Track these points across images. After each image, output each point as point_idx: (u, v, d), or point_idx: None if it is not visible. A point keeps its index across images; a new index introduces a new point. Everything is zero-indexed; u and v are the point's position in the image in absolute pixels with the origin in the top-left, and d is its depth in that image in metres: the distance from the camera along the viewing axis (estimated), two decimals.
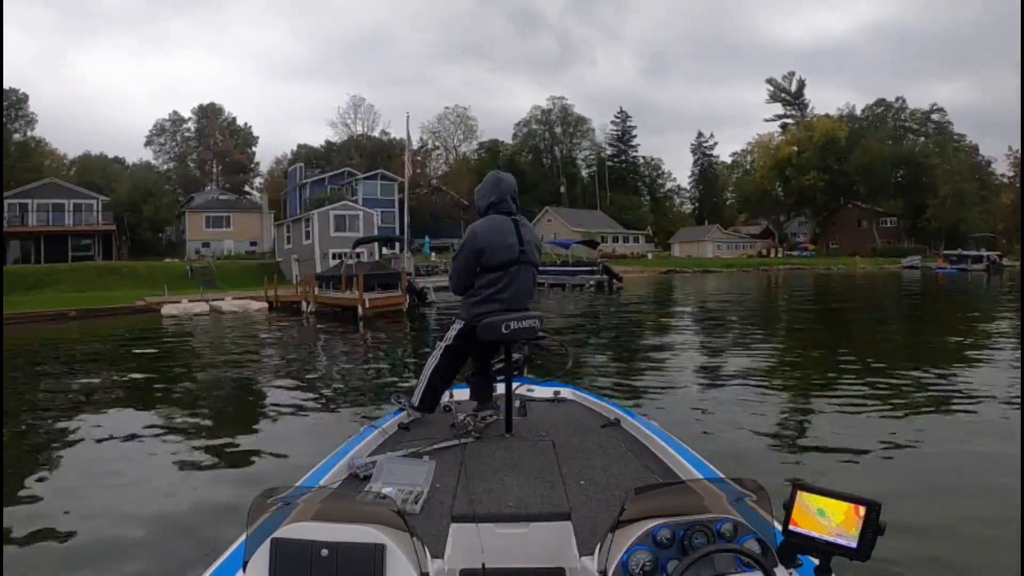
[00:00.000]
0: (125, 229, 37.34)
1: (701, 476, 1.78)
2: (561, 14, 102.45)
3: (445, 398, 2.73)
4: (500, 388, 2.53)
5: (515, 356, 2.61)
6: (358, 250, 22.47)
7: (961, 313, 15.98)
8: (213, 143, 57.57)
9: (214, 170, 58.52)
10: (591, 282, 26.72)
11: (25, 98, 44.50)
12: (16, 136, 43.27)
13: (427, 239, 36.31)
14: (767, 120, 68.07)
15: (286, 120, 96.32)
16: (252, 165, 60.59)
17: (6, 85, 40.70)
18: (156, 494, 3.78)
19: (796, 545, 1.20)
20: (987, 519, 3.11)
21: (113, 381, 8.31)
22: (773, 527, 1.26)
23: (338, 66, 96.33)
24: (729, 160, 72.79)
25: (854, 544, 1.13)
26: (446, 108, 63.16)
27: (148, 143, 58.73)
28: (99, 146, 71.83)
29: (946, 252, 44.23)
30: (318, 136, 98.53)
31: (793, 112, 66.51)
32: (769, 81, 67.48)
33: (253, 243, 40.15)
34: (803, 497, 1.19)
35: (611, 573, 1.23)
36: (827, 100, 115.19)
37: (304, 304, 18.83)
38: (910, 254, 46.87)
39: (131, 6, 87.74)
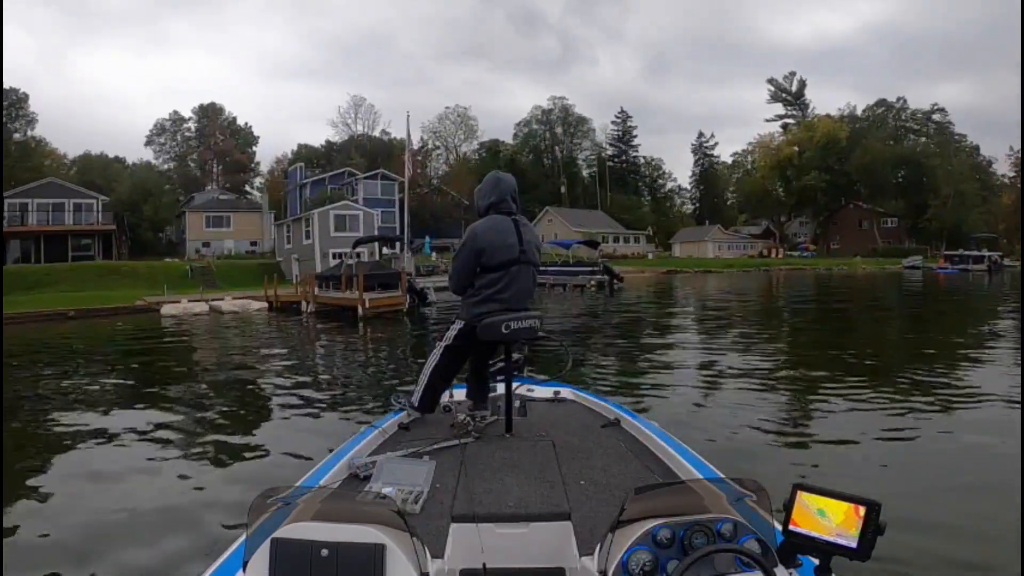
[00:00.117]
0: (125, 229, 37.36)
1: (701, 476, 1.78)
2: (562, 14, 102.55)
3: (445, 398, 2.73)
4: (500, 388, 2.53)
5: (515, 356, 2.61)
6: (358, 250, 22.46)
7: (962, 313, 15.98)
8: (213, 143, 57.61)
9: (214, 170, 58.56)
10: (592, 282, 26.71)
11: (25, 98, 44.59)
12: (16, 136, 43.29)
13: (427, 239, 36.31)
14: (768, 120, 68.13)
15: (286, 120, 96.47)
16: (252, 165, 60.64)
17: (6, 85, 40.79)
18: (155, 494, 3.78)
19: (796, 545, 1.20)
20: (987, 519, 3.11)
21: (112, 381, 8.32)
22: (773, 527, 1.26)
23: (339, 66, 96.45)
24: (730, 160, 72.88)
25: (854, 544, 1.13)
26: (447, 108, 63.29)
27: (148, 143, 58.88)
28: (99, 146, 71.91)
29: (947, 252, 44.17)
30: (318, 136, 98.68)
31: (794, 112, 66.50)
32: (770, 81, 67.53)
33: (253, 243, 40.18)
34: (803, 497, 1.19)
35: (611, 573, 1.23)
36: (828, 100, 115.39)
37: (304, 304, 18.82)
38: (911, 254, 46.79)
39: (131, 6, 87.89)
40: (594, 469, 2.01)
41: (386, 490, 1.75)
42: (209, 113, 58.69)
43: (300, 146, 60.78)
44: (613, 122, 68.69)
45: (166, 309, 19.00)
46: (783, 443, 4.57)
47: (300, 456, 4.12)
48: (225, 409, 6.40)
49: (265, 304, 20.12)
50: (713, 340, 11.25)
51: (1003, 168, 61.82)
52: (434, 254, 33.77)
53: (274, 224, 38.60)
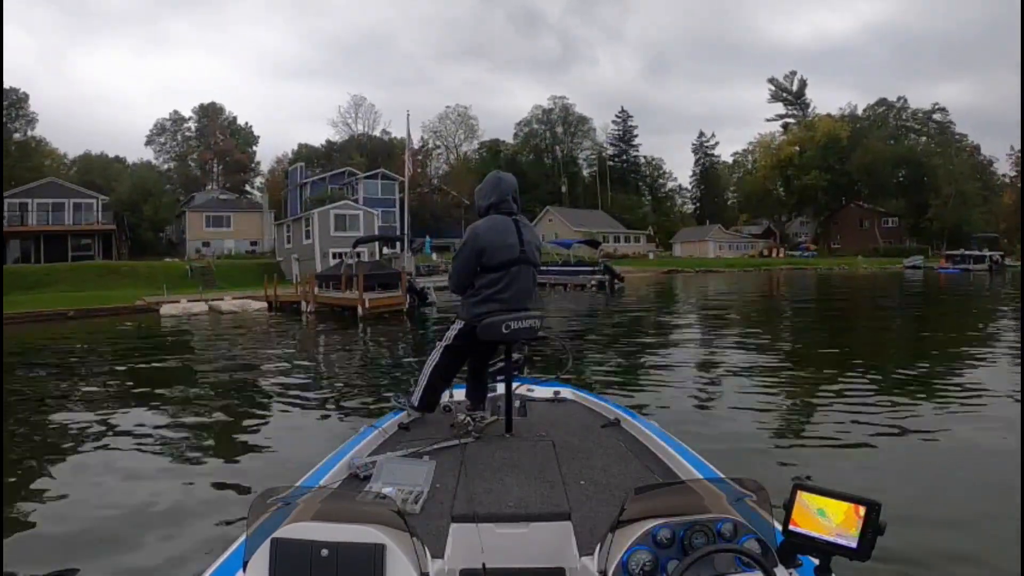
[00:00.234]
0: (125, 229, 37.35)
1: (701, 476, 1.78)
2: (562, 14, 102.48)
3: (445, 398, 2.73)
4: (500, 388, 2.53)
5: (515, 356, 2.61)
6: (358, 250, 22.46)
7: (963, 313, 15.95)
8: (214, 142, 57.57)
9: (215, 170, 58.54)
10: (593, 282, 26.71)
11: (25, 98, 44.55)
12: (16, 136, 43.28)
13: (428, 239, 36.31)
14: (768, 120, 68.07)
15: (287, 120, 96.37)
16: (253, 165, 60.60)
17: (6, 85, 40.78)
18: (155, 494, 3.78)
19: (796, 545, 1.20)
20: (987, 518, 3.11)
21: (110, 382, 8.31)
22: (773, 527, 1.26)
23: (339, 66, 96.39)
24: (730, 160, 72.86)
25: (854, 544, 1.13)
26: (447, 108, 63.25)
27: (149, 143, 58.84)
28: (99, 146, 71.85)
29: (948, 252, 44.11)
30: (319, 135, 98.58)
31: (795, 112, 66.45)
32: (771, 81, 67.47)
33: (253, 243, 40.17)
34: (803, 497, 1.19)
35: (611, 573, 1.23)
36: (828, 100, 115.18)
37: (304, 304, 18.82)
38: (912, 254, 46.75)
39: (131, 6, 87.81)
40: (594, 469, 2.01)
41: (386, 490, 1.75)
42: (209, 113, 58.67)
43: (300, 146, 60.82)
44: (614, 121, 68.77)
45: (165, 309, 18.99)
46: (783, 443, 4.57)
47: (300, 456, 4.12)
48: (224, 409, 6.40)
49: (265, 304, 20.11)
50: (713, 340, 11.25)
51: (1004, 168, 61.85)
52: (434, 254, 33.78)
53: (274, 224, 38.59)
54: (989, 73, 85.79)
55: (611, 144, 68.78)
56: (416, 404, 2.59)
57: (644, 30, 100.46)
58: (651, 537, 1.24)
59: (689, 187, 73.86)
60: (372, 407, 5.90)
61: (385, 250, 27.01)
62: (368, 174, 41.47)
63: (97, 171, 48.44)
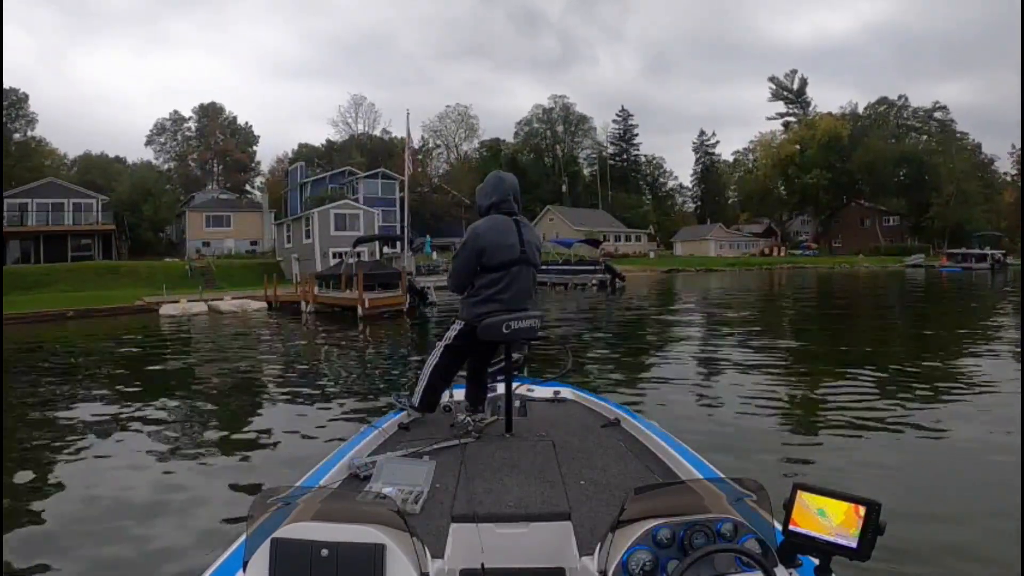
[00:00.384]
0: (125, 229, 37.34)
1: (701, 476, 1.78)
2: (562, 14, 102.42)
3: (445, 398, 2.73)
4: (500, 388, 2.53)
5: (515, 356, 2.61)
6: (358, 249, 22.44)
7: (964, 312, 15.94)
8: (214, 142, 57.57)
9: (215, 169, 58.54)
10: (593, 281, 26.71)
11: (25, 98, 44.55)
12: (16, 136, 43.28)
13: (428, 238, 36.30)
14: (769, 118, 67.98)
15: (287, 119, 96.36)
16: (253, 164, 60.59)
17: (6, 85, 40.77)
18: (155, 494, 3.79)
19: (796, 545, 1.20)
20: (988, 518, 3.11)
21: (109, 382, 8.32)
22: (773, 527, 1.26)
23: (339, 66, 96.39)
24: (731, 159, 72.79)
25: (854, 544, 1.13)
26: (447, 107, 63.21)
27: (149, 142, 58.84)
28: (99, 146, 71.99)
29: (950, 251, 44.07)
30: (319, 135, 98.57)
31: (795, 110, 66.38)
32: (771, 79, 67.40)
33: (254, 242, 40.16)
34: (803, 497, 1.19)
35: (611, 573, 1.23)
36: (829, 99, 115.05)
37: (303, 304, 18.81)
38: (913, 253, 46.70)
39: (131, 6, 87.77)
40: (594, 469, 2.01)
41: (386, 490, 1.75)
42: (209, 113, 58.66)
43: (301, 145, 60.82)
44: (614, 120, 68.72)
45: (165, 309, 18.96)
46: (783, 443, 4.57)
47: (300, 456, 4.12)
48: (223, 410, 6.41)
49: (264, 304, 20.11)
50: (714, 339, 11.25)
51: (1005, 166, 61.77)
52: (435, 253, 33.76)
53: (274, 223, 38.59)
54: (989, 72, 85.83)
55: (612, 143, 68.78)
56: (416, 404, 2.59)
57: (644, 29, 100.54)
58: (651, 537, 1.24)
59: (690, 186, 73.89)
60: (372, 407, 5.91)
61: (385, 250, 26.99)
62: (368, 173, 41.45)
63: (97, 171, 48.42)
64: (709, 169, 71.28)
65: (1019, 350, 8.54)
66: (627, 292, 24.63)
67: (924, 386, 6.37)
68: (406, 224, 22.77)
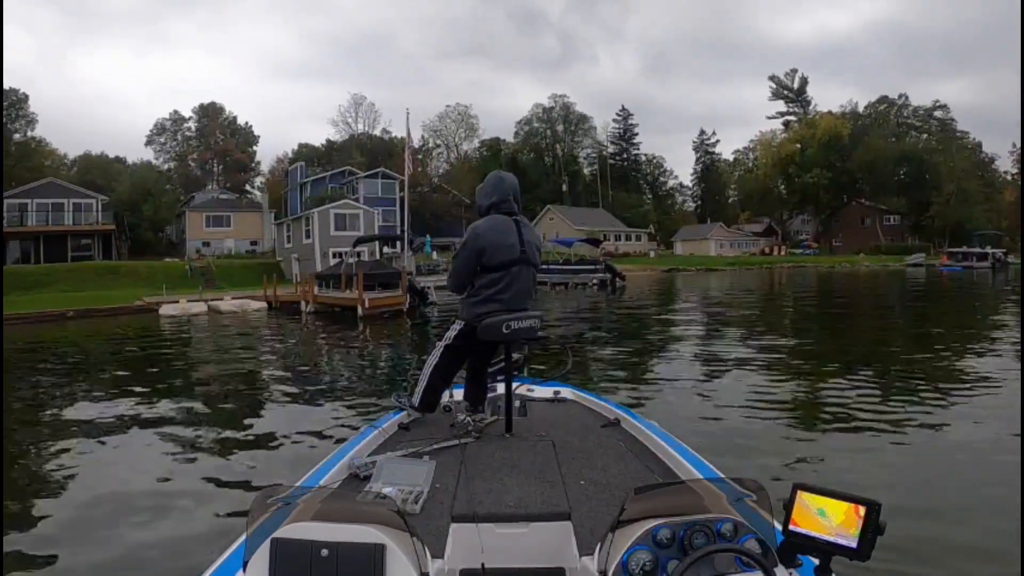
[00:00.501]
0: (125, 229, 37.33)
1: (701, 476, 1.78)
2: (562, 13, 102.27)
3: (445, 398, 2.73)
4: (500, 388, 2.53)
5: (515, 356, 2.61)
6: (358, 249, 22.44)
7: (965, 311, 15.93)
8: (214, 142, 57.56)
9: (215, 169, 58.54)
10: (594, 281, 26.71)
11: (25, 98, 44.52)
12: (16, 136, 43.27)
13: (428, 238, 36.30)
14: (770, 117, 67.92)
15: (287, 119, 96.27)
16: (253, 164, 60.58)
17: (6, 85, 40.76)
18: (154, 494, 3.79)
19: (796, 545, 1.20)
20: (988, 518, 3.10)
21: (108, 383, 8.32)
22: (773, 527, 1.26)
23: (339, 66, 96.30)
24: (731, 158, 72.75)
25: (854, 544, 1.13)
26: (447, 106, 63.13)
27: (149, 143, 58.83)
28: (99, 146, 71.87)
29: (950, 250, 44.02)
30: (319, 135, 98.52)
31: (796, 109, 66.31)
32: (771, 78, 67.34)
33: (254, 242, 40.14)
34: (803, 497, 1.19)
35: (611, 573, 1.23)
36: (829, 98, 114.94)
37: (303, 304, 18.81)
38: (914, 252, 46.66)
39: (131, 6, 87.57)
40: (594, 469, 2.01)
41: (386, 490, 1.75)
42: (209, 113, 58.66)
43: (301, 145, 60.79)
44: (614, 120, 68.66)
45: (164, 309, 18.94)
46: (783, 443, 4.57)
47: (300, 456, 4.13)
48: (223, 410, 6.41)
49: (264, 304, 20.09)
50: (714, 339, 11.25)
51: (1006, 164, 61.74)
52: (435, 253, 33.75)
53: (274, 223, 38.56)
54: (990, 71, 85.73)
55: (612, 142, 68.75)
56: (417, 404, 2.59)
57: (644, 29, 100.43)
58: (651, 537, 1.24)
59: (690, 185, 73.86)
60: (372, 407, 5.91)
61: (385, 249, 26.99)
62: (368, 173, 41.43)
63: (97, 171, 48.42)
64: (709, 168, 71.25)
65: (1019, 349, 8.53)
66: (627, 292, 24.64)
67: (925, 385, 6.37)
68: (406, 224, 22.76)
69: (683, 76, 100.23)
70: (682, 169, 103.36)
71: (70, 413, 6.23)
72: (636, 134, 69.16)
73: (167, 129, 58.99)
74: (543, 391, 3.00)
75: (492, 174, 2.66)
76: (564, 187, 60.70)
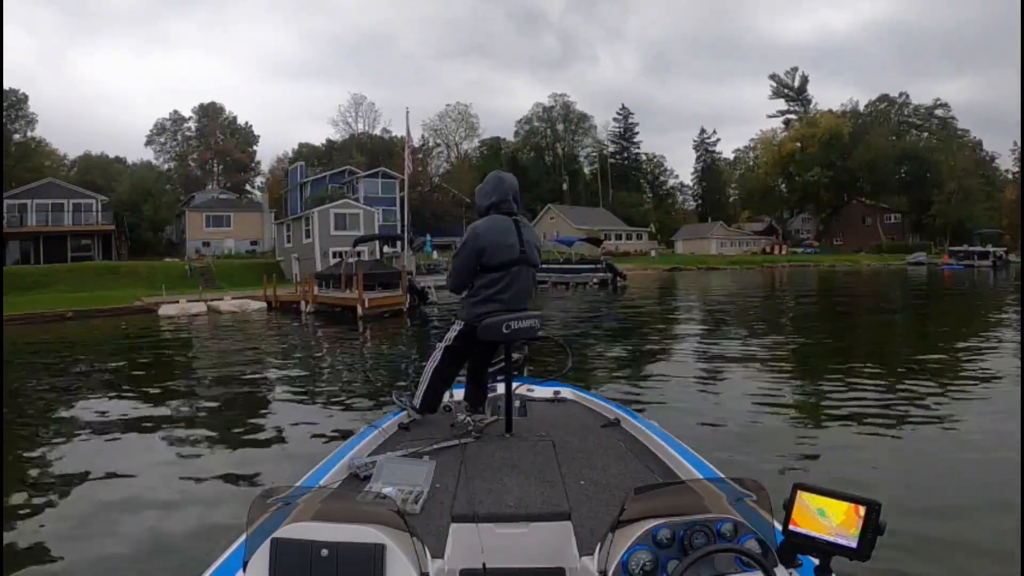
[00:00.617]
0: (125, 229, 37.33)
1: (701, 476, 1.77)
2: (562, 13, 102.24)
3: (445, 398, 2.73)
4: (500, 388, 2.53)
5: (515, 356, 2.61)
6: (358, 248, 22.44)
7: (967, 310, 15.91)
8: (214, 142, 57.58)
9: (215, 169, 58.55)
10: (595, 280, 26.71)
11: (25, 98, 44.50)
12: (16, 137, 43.27)
13: (428, 237, 36.31)
14: (770, 116, 67.89)
15: (287, 119, 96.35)
16: (253, 164, 60.61)
17: (6, 85, 40.74)
18: (154, 495, 3.79)
19: (796, 545, 1.20)
20: (988, 518, 3.10)
21: (107, 384, 8.31)
22: (773, 527, 1.26)
23: (339, 66, 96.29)
24: (732, 157, 72.72)
25: (854, 544, 1.13)
26: (447, 106, 63.13)
27: (149, 143, 58.85)
28: (99, 146, 71.97)
29: (952, 248, 43.99)
30: (319, 135, 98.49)
31: (796, 108, 66.27)
32: (772, 77, 67.29)
33: (254, 242, 40.15)
34: (803, 497, 1.19)
35: (611, 573, 1.22)
36: (830, 96, 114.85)
37: (303, 304, 18.81)
38: (915, 251, 46.62)
39: (131, 6, 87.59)
40: (594, 469, 2.01)
41: (386, 490, 1.75)
42: (209, 112, 58.66)
43: (301, 145, 60.84)
44: (615, 119, 68.63)
45: (164, 310, 18.94)
46: (783, 443, 4.57)
47: (300, 456, 4.13)
48: (223, 411, 6.41)
49: (264, 304, 20.09)
50: (715, 339, 11.24)
51: (1007, 163, 61.67)
52: (435, 253, 33.76)
53: (274, 223, 38.56)
54: (990, 70, 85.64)
55: (612, 141, 68.71)
56: (418, 406, 2.59)
57: (645, 28, 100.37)
58: (651, 537, 1.24)
59: (691, 184, 73.84)
60: (372, 407, 5.91)
61: (386, 249, 27.01)
62: (368, 173, 41.42)
63: (97, 171, 48.45)
64: (710, 167, 71.21)
65: (1020, 348, 8.53)
66: (628, 291, 24.63)
67: (925, 385, 6.36)
68: (406, 223, 22.76)
69: (683, 75, 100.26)
70: (683, 168, 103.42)
71: (68, 414, 6.23)
72: (636, 133, 69.24)
73: (167, 129, 59.02)
74: (543, 391, 3.00)
75: (491, 174, 2.66)
76: (564, 186, 60.69)
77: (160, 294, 21.98)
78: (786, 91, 66.71)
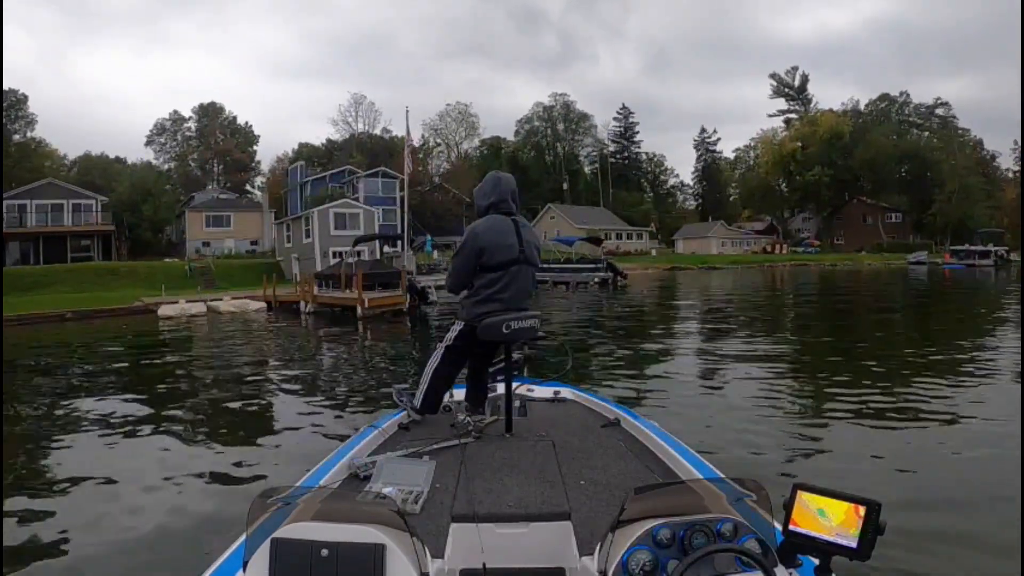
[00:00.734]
0: (125, 229, 37.32)
1: (701, 476, 1.77)
2: (563, 12, 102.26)
3: (445, 398, 2.73)
4: (500, 388, 2.53)
5: (515, 356, 2.61)
6: (358, 248, 22.42)
7: (968, 310, 15.89)
8: (214, 142, 57.59)
9: (215, 169, 58.56)
10: (595, 279, 26.71)
11: (25, 99, 44.54)
12: (16, 137, 43.27)
13: (429, 237, 36.32)
14: (771, 115, 67.88)
15: (287, 119, 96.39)
16: (253, 164, 60.62)
17: (6, 85, 40.76)
18: (154, 496, 3.79)
19: (796, 545, 1.20)
20: (988, 518, 3.10)
21: (106, 384, 8.31)
22: (773, 527, 1.26)
23: (339, 66, 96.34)
24: (732, 156, 72.67)
25: (854, 544, 1.13)
26: (448, 105, 63.17)
27: (149, 143, 58.90)
28: (99, 146, 72.10)
29: (953, 247, 43.95)
30: (319, 134, 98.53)
31: (797, 107, 66.23)
32: (772, 76, 67.25)
33: (254, 242, 40.14)
34: (803, 497, 1.18)
35: (611, 573, 1.22)
36: (830, 95, 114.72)
37: (303, 304, 18.80)
38: (916, 250, 46.56)
39: (131, 6, 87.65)
40: (594, 469, 2.01)
41: (386, 490, 1.75)
42: (209, 112, 58.68)
43: (301, 145, 60.82)
44: (615, 118, 68.65)
45: (163, 310, 18.89)
46: (784, 443, 4.57)
47: (300, 456, 4.13)
48: (223, 411, 6.41)
49: (264, 304, 20.06)
50: (715, 339, 11.24)
51: (1007, 162, 61.61)
52: (435, 252, 33.78)
53: (274, 223, 38.56)
54: (991, 69, 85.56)
55: (612, 141, 68.72)
56: (418, 406, 2.58)
57: (645, 28, 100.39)
58: (651, 537, 1.24)
59: (691, 184, 73.82)
60: (372, 407, 5.91)
61: (386, 249, 26.99)
62: (368, 172, 41.40)
63: (97, 171, 48.48)
64: (710, 167, 71.19)
65: (1020, 347, 8.52)
66: (629, 290, 24.63)
67: (925, 385, 6.35)
68: (406, 223, 22.75)
69: (684, 74, 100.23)
70: (683, 167, 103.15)
71: (68, 414, 6.23)
72: (637, 132, 69.26)
73: (167, 129, 59.04)
74: (543, 391, 3.00)
75: (490, 174, 2.66)
76: (565, 186, 60.66)
77: (159, 294, 21.96)
78: (787, 90, 66.68)
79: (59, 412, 6.36)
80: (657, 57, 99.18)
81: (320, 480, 1.89)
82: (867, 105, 65.38)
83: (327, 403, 6.46)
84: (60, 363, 10.53)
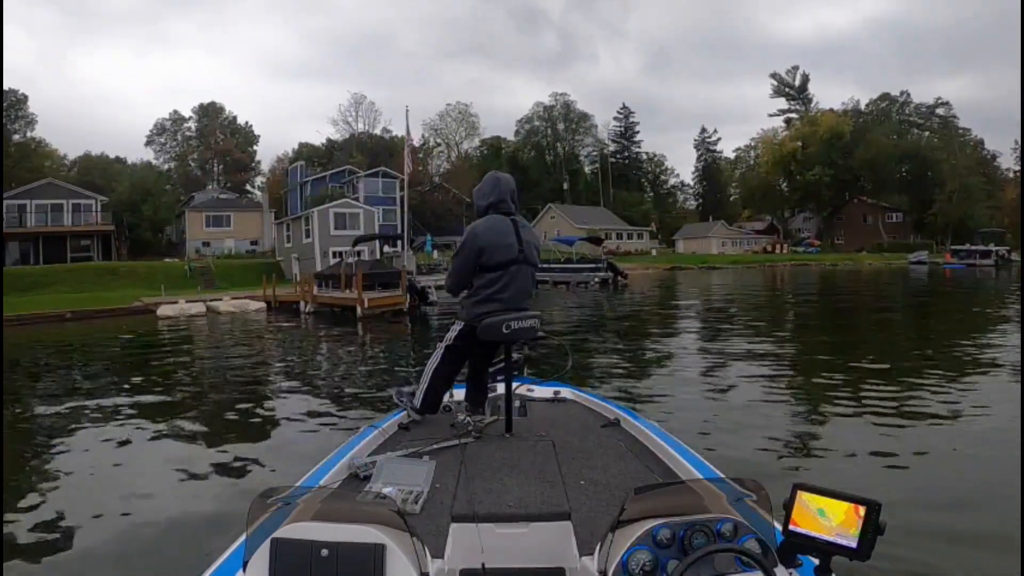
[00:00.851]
0: (124, 229, 37.32)
1: (701, 476, 1.77)
2: (563, 11, 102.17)
3: (445, 398, 2.73)
4: (500, 388, 2.53)
5: (515, 356, 2.61)
6: (358, 248, 22.42)
7: (968, 310, 15.87)
8: (214, 142, 57.59)
9: (215, 169, 58.56)
10: (596, 279, 26.72)
11: (25, 99, 44.53)
12: (16, 137, 43.26)
13: (429, 237, 36.31)
14: (771, 115, 67.81)
15: (287, 119, 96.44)
16: (253, 164, 60.62)
17: (6, 85, 40.75)
18: (154, 496, 3.79)
19: (796, 545, 1.19)
20: (988, 518, 3.10)
21: (106, 385, 8.31)
22: (773, 527, 1.26)
23: (339, 66, 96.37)
24: (733, 156, 72.65)
25: (854, 544, 1.13)
26: (448, 105, 63.17)
27: (149, 143, 58.89)
28: (99, 146, 72.11)
29: (954, 247, 43.89)
30: (319, 134, 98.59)
31: (797, 107, 66.20)
32: (773, 76, 67.21)
33: (254, 242, 40.14)
34: (803, 497, 1.18)
35: (611, 573, 1.22)
36: (831, 95, 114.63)
37: (303, 304, 18.80)
38: (916, 250, 46.52)
39: (131, 6, 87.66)
40: (594, 469, 2.01)
41: (386, 490, 1.75)
42: (209, 112, 58.67)
43: (301, 144, 60.79)
44: (615, 118, 68.63)
45: (163, 310, 18.89)
46: (784, 443, 4.57)
47: (300, 456, 4.13)
48: (222, 411, 6.41)
49: (263, 304, 20.06)
50: (716, 339, 11.24)
51: (1008, 162, 61.57)
52: (435, 252, 33.77)
53: (274, 223, 38.56)
54: (991, 68, 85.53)
55: (613, 141, 68.71)
56: (418, 406, 2.58)
57: (645, 27, 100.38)
58: (651, 537, 1.24)
59: (691, 183, 73.81)
60: (372, 407, 5.91)
61: (386, 248, 26.99)
62: (368, 172, 41.39)
63: (97, 171, 48.45)
64: (711, 166, 71.18)
65: (1020, 347, 8.52)
66: (629, 290, 24.63)
67: (926, 384, 6.35)
68: (406, 223, 22.75)
69: (684, 74, 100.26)
70: (683, 167, 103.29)
71: (67, 415, 6.23)
72: (637, 132, 69.24)
73: (167, 129, 59.04)
74: (543, 391, 3.00)
75: (489, 174, 2.67)
76: (565, 185, 60.65)
77: (159, 295, 21.95)
78: (787, 90, 66.64)
79: (59, 412, 6.36)
80: (657, 57, 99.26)
81: (320, 480, 1.89)
82: (867, 105, 65.40)
83: (327, 403, 6.46)
84: (60, 363, 10.53)
